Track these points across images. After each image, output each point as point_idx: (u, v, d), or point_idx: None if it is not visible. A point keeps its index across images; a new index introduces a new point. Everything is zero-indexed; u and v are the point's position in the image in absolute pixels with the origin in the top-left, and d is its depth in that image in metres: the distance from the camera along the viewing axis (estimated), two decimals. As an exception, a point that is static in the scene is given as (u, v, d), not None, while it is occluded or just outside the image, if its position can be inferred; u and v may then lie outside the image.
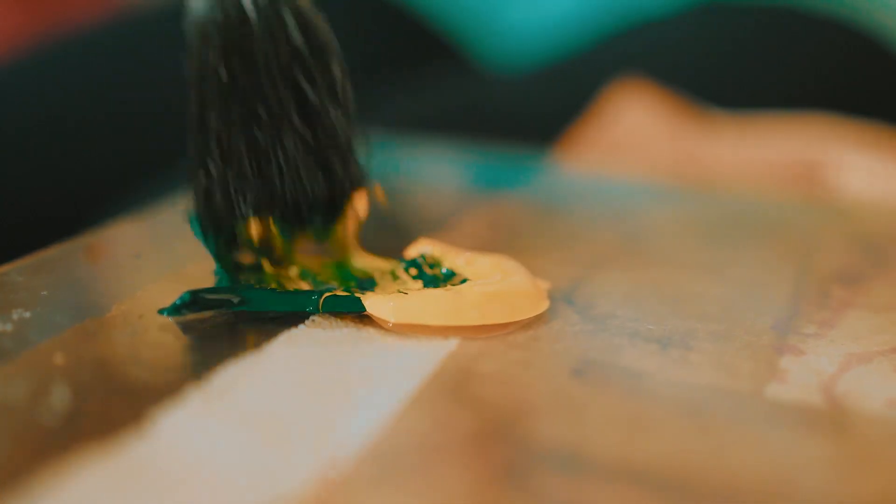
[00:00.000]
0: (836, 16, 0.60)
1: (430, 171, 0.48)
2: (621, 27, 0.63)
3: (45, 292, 0.29)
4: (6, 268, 0.31)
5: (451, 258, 0.31)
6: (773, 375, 0.27)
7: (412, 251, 0.31)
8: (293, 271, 0.30)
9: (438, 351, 0.27)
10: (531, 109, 0.57)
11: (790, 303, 0.32)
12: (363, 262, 0.31)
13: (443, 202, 0.44)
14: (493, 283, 0.29)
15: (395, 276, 0.30)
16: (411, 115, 0.57)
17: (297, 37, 0.29)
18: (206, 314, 0.28)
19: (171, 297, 0.28)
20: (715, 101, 0.55)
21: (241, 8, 0.28)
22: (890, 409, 0.26)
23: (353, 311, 0.28)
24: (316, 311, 0.28)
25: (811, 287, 0.34)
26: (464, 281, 0.30)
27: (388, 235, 0.40)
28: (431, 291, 0.29)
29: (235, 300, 0.28)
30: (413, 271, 0.30)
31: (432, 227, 0.39)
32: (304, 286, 0.29)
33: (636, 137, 0.50)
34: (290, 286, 0.29)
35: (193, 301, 0.28)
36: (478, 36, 0.69)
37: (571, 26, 0.66)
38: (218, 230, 0.29)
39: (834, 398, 0.26)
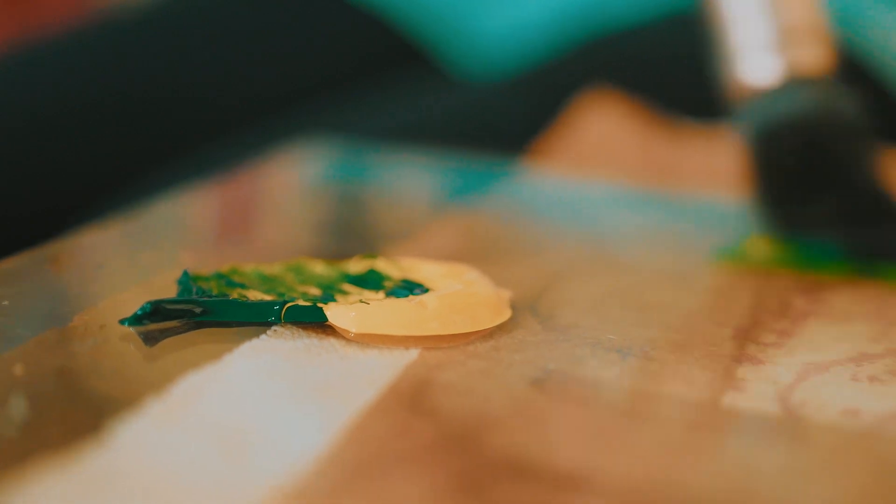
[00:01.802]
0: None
1: (399, 179, 0.48)
2: (593, 36, 0.64)
3: (6, 302, 0.29)
4: (-31, 277, 0.31)
5: (413, 269, 0.31)
6: (731, 385, 0.27)
7: (359, 265, 0.32)
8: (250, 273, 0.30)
9: (399, 361, 0.27)
10: (502, 118, 0.57)
11: (751, 312, 0.33)
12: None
13: (411, 211, 0.44)
14: (454, 294, 0.29)
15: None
16: (382, 122, 0.57)
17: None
18: (168, 324, 0.28)
19: (134, 307, 0.28)
20: (685, 111, 0.55)
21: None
22: (845, 418, 0.26)
23: (315, 321, 0.28)
24: (278, 322, 0.28)
25: (772, 296, 0.34)
26: (425, 290, 0.30)
27: (356, 244, 0.40)
28: (393, 302, 0.29)
29: (197, 310, 0.28)
30: (353, 288, 0.30)
31: (400, 236, 0.39)
32: (265, 296, 0.29)
33: (605, 147, 0.51)
34: (252, 296, 0.29)
35: (155, 311, 0.28)
36: (450, 44, 0.69)
37: (543, 34, 0.66)
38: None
39: (790, 407, 0.26)
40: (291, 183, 0.47)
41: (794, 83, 0.38)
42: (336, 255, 0.33)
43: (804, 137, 0.37)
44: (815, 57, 0.38)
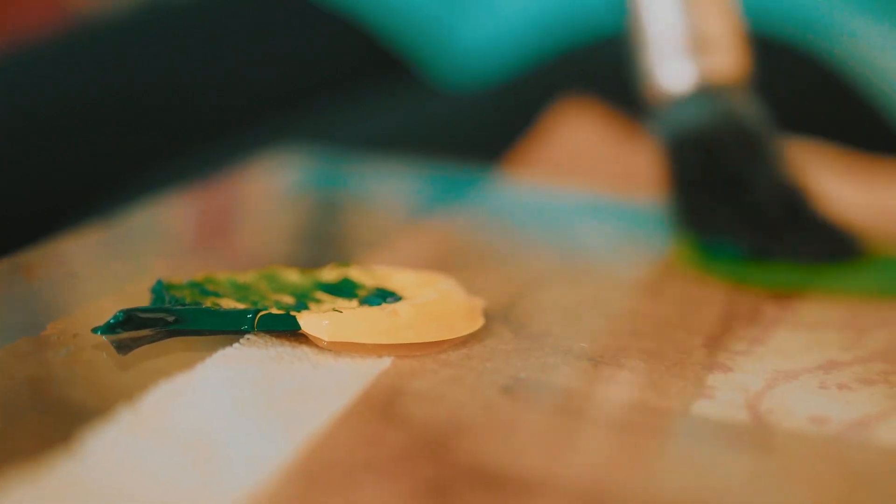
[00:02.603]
0: (784, 39, 0.61)
1: (375, 187, 0.48)
2: (571, 46, 0.64)
3: (-21, 311, 0.29)
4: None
5: (387, 277, 0.31)
6: (701, 392, 0.28)
7: (332, 274, 0.32)
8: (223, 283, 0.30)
9: (371, 369, 0.27)
10: (479, 126, 0.58)
11: (722, 320, 0.33)
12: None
13: (386, 219, 0.44)
14: (427, 302, 0.29)
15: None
16: (360, 130, 0.57)
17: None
18: (141, 333, 0.28)
19: (108, 315, 0.28)
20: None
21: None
22: (812, 425, 0.26)
23: (288, 330, 0.29)
24: (251, 330, 0.29)
25: (743, 304, 0.34)
26: (399, 299, 0.30)
27: (331, 251, 0.40)
28: (367, 310, 0.29)
29: (170, 319, 0.28)
30: (326, 296, 0.31)
31: (375, 244, 0.39)
32: (239, 304, 0.29)
33: (581, 155, 0.51)
34: (225, 305, 0.29)
35: (127, 320, 0.28)
36: (429, 53, 0.69)
37: (521, 44, 0.67)
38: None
39: (758, 415, 0.27)
40: (268, 191, 0.47)
41: (703, 91, 0.38)
42: (311, 262, 0.33)
43: (704, 148, 0.38)
44: (727, 64, 0.39)
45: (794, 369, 0.29)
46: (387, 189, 0.48)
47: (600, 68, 0.61)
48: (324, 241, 0.42)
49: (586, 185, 0.48)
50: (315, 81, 0.66)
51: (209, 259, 0.38)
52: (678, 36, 0.39)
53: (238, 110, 0.63)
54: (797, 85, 0.61)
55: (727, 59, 0.39)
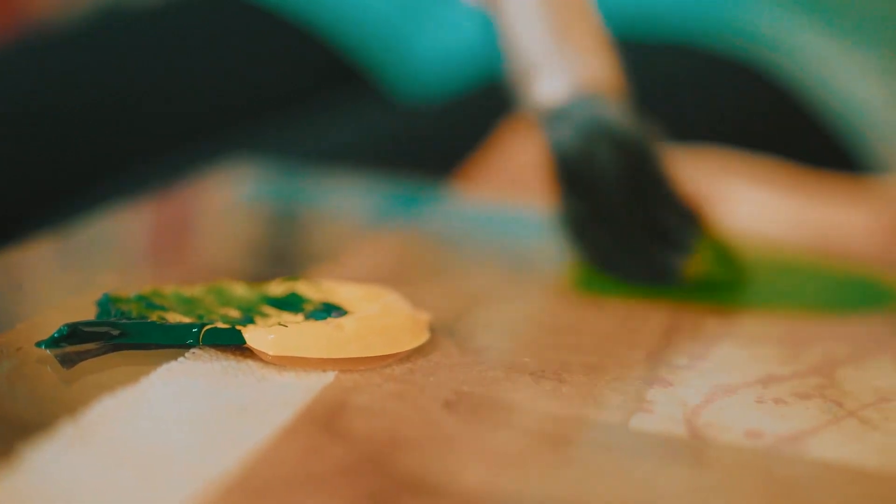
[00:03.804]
0: (729, 53, 0.62)
1: (327, 200, 0.48)
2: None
3: (-77, 324, 0.29)
4: None
5: (333, 291, 0.32)
6: (640, 407, 0.28)
7: (279, 288, 0.32)
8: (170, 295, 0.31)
9: (314, 383, 0.28)
10: (434, 140, 0.58)
11: (664, 334, 0.33)
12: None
13: (338, 232, 0.44)
14: (372, 317, 0.30)
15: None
16: (316, 143, 0.57)
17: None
18: (86, 346, 0.28)
19: (52, 329, 0.28)
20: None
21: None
22: (748, 439, 0.27)
23: (233, 344, 0.29)
24: (196, 344, 0.29)
25: (686, 319, 0.35)
26: (344, 313, 0.30)
27: (282, 265, 0.40)
28: (312, 324, 0.29)
29: (115, 332, 0.28)
30: (273, 310, 0.31)
31: (326, 258, 0.40)
32: (185, 318, 0.30)
33: (533, 170, 0.51)
34: (171, 319, 0.29)
35: (72, 333, 0.28)
36: (386, 64, 0.70)
37: (479, 58, 0.67)
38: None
39: (696, 429, 0.27)
40: (221, 204, 0.47)
41: (576, 103, 0.38)
42: (262, 276, 0.33)
43: (585, 159, 0.38)
44: (598, 74, 0.39)
45: (733, 384, 0.30)
46: (339, 202, 0.48)
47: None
48: (275, 255, 0.42)
49: (538, 200, 0.49)
50: (271, 93, 0.66)
51: (160, 272, 0.38)
52: (546, 50, 0.39)
53: (193, 122, 0.63)
54: (744, 99, 0.62)
55: (598, 70, 0.39)
